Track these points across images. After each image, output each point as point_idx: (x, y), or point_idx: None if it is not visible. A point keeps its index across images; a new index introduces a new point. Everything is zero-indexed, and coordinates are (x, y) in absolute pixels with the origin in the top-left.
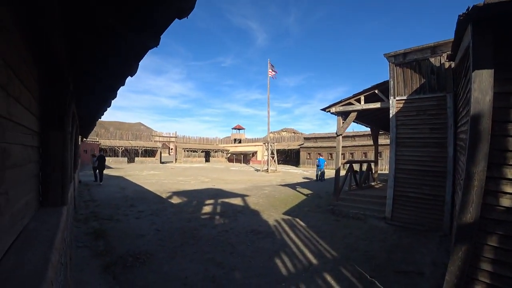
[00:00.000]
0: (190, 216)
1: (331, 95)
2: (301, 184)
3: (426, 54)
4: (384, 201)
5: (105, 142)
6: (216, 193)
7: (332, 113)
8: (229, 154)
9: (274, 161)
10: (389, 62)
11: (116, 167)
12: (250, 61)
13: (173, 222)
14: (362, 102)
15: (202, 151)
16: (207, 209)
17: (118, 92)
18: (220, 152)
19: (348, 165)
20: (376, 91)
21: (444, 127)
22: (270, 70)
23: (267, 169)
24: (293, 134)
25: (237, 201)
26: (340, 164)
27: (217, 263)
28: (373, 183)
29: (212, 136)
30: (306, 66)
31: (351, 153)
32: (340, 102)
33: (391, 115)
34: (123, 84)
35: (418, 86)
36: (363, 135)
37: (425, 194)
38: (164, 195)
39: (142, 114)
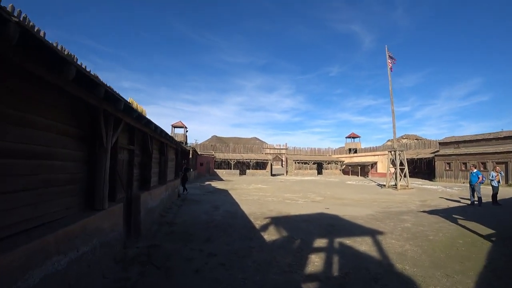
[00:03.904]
0: (283, 280)
1: (462, 90)
2: (459, 211)
3: None
4: None
5: (219, 155)
6: (331, 225)
7: None
8: (344, 166)
9: (405, 174)
10: None
11: (227, 179)
12: (358, 67)
13: None
14: None
15: (314, 163)
16: (315, 261)
17: (236, 111)
18: (333, 164)
19: None
20: None
21: None
22: (389, 61)
23: (395, 185)
24: (415, 140)
25: (366, 245)
26: None
27: None
28: None
29: (324, 147)
30: (423, 61)
31: None
32: None
33: None
34: None
35: None
36: None
37: None
38: (258, 223)
39: (257, 129)
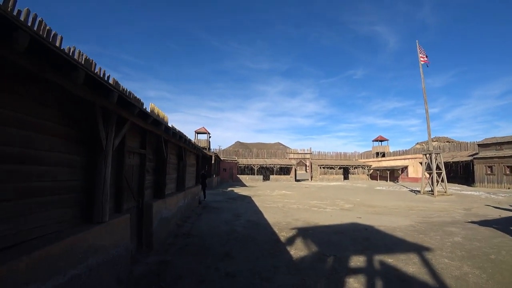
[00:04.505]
0: None
1: (497, 89)
2: None
3: None
4: None
5: (242, 161)
6: (367, 238)
7: None
8: (372, 171)
9: (442, 179)
10: None
11: (250, 185)
12: (383, 68)
13: None
14: None
15: (339, 168)
16: (353, 287)
17: (260, 117)
18: (360, 168)
19: None
20: None
21: None
22: (421, 55)
23: (432, 191)
24: (447, 143)
25: (413, 265)
26: None
27: None
28: None
29: (349, 151)
30: (454, 60)
31: None
32: None
33: None
34: None
35: None
36: None
37: None
38: (283, 235)
39: (281, 134)
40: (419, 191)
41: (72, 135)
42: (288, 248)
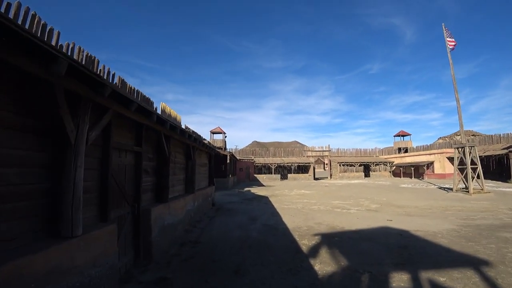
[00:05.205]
0: None
1: None
2: None
3: None
4: None
5: (259, 160)
6: (405, 247)
7: None
8: (394, 167)
9: (478, 175)
10: None
11: (268, 184)
12: (400, 61)
13: None
14: None
15: (360, 165)
16: None
17: (276, 115)
18: (382, 165)
19: None
20: None
21: None
22: (448, 39)
23: (467, 188)
24: (472, 136)
25: (474, 286)
26: None
27: None
28: None
29: (369, 147)
30: (478, 48)
31: None
32: None
33: None
34: None
35: None
36: None
37: None
38: (304, 243)
39: (297, 132)
40: (450, 189)
41: (30, 126)
42: (312, 262)
